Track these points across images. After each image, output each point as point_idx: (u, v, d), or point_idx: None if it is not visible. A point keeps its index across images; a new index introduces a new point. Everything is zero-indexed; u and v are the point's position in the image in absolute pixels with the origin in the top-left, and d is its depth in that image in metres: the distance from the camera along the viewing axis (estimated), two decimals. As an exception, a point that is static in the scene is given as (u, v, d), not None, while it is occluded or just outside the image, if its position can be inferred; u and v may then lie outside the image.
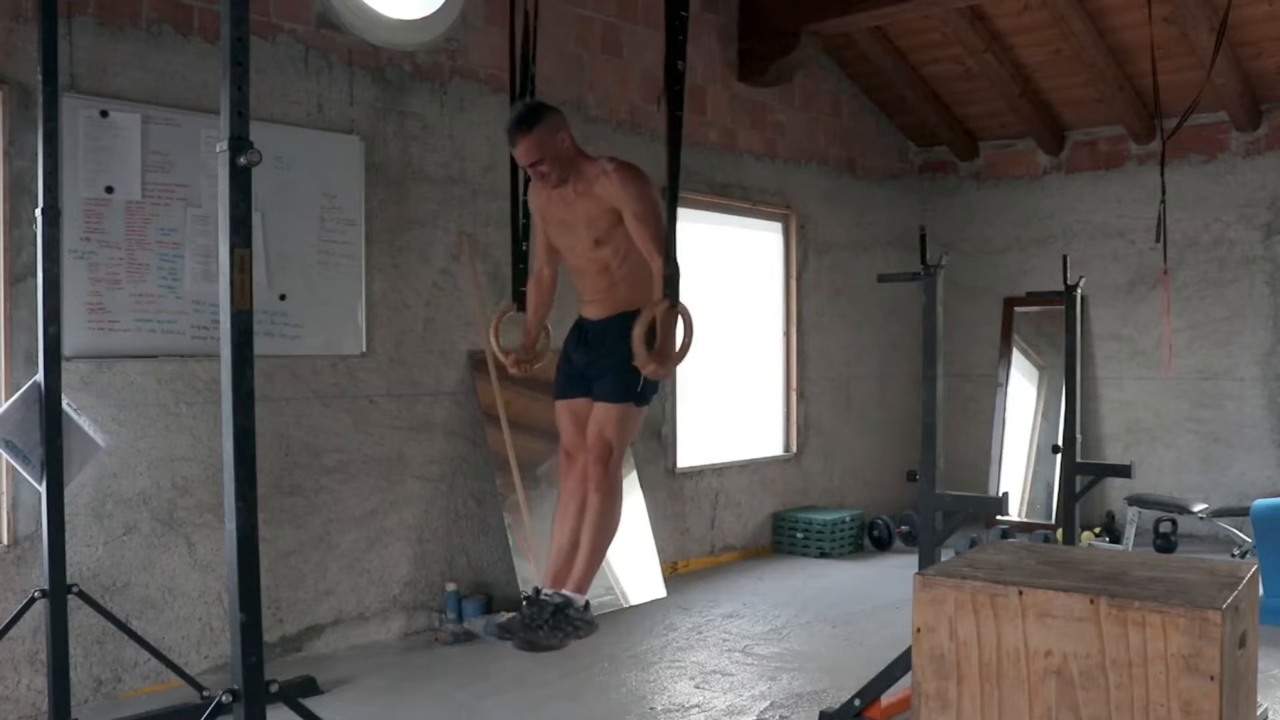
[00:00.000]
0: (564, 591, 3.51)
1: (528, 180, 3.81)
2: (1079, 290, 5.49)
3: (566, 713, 4.06)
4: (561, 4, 5.67)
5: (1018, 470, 7.77)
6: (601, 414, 3.53)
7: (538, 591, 3.56)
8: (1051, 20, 6.63)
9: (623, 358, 3.43)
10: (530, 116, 3.46)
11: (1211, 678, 2.10)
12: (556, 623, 3.45)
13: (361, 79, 4.93)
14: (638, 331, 3.32)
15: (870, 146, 8.11)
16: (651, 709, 4.10)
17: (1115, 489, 7.38)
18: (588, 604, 3.55)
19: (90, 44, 4.10)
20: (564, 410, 3.70)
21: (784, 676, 4.49)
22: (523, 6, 3.86)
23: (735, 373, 7.08)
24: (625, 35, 6.12)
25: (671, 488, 6.41)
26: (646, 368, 3.33)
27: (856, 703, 3.72)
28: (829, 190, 7.67)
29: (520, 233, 3.91)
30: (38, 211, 3.47)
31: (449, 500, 5.24)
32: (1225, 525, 6.43)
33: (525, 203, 3.84)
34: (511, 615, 3.55)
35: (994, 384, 7.99)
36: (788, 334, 7.43)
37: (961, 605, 2.39)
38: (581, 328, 3.66)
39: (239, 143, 2.36)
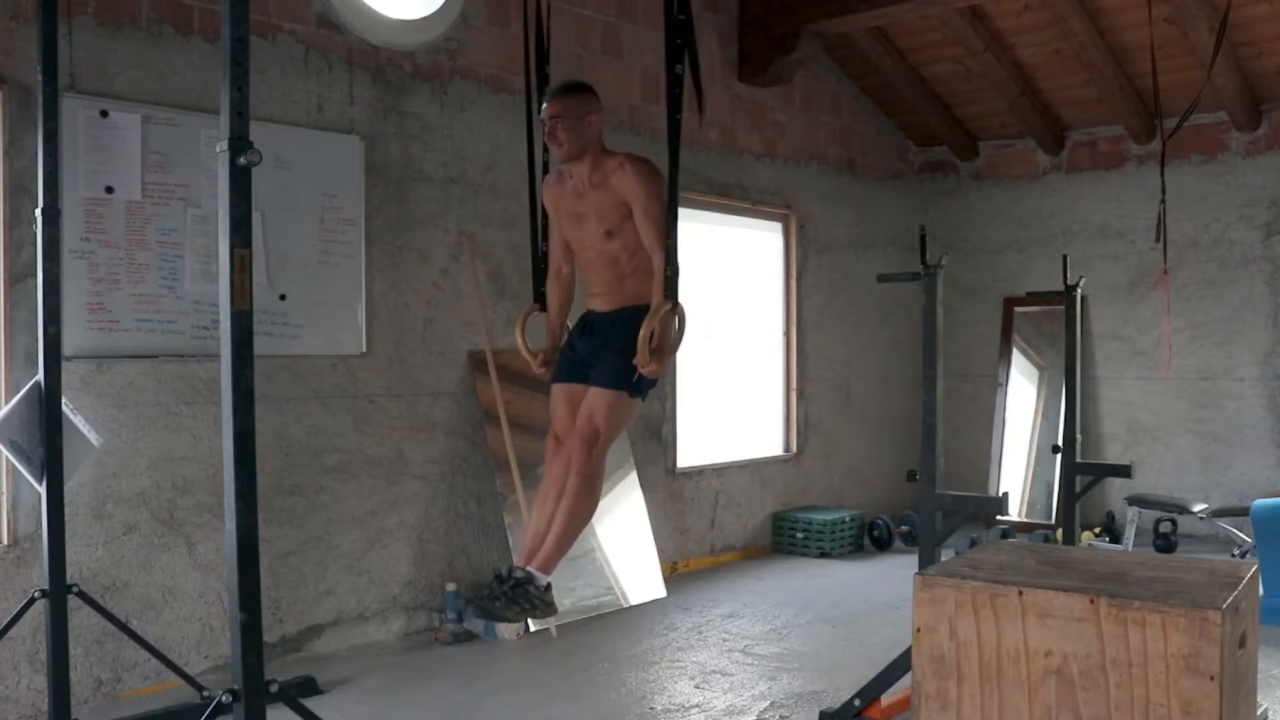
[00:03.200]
0: (527, 569, 3.52)
1: (545, 174, 3.87)
2: (1079, 290, 5.49)
3: (566, 713, 4.06)
4: (561, 4, 5.67)
5: (1018, 470, 7.77)
6: (594, 398, 3.56)
7: (509, 569, 3.56)
8: (1051, 20, 6.63)
9: (622, 347, 3.49)
10: (574, 86, 3.62)
11: (1211, 678, 2.11)
12: (514, 596, 3.46)
13: (361, 79, 4.93)
14: (644, 333, 3.37)
15: (870, 146, 8.11)
16: (651, 709, 4.10)
17: (1115, 489, 7.38)
18: (549, 586, 3.54)
19: (90, 44, 4.10)
20: (560, 394, 3.73)
21: (784, 676, 4.49)
22: (535, 11, 3.89)
23: (735, 373, 7.08)
24: (625, 35, 6.12)
25: (671, 488, 6.41)
26: (648, 367, 3.39)
27: (856, 703, 3.72)
28: (829, 190, 7.67)
29: (539, 233, 3.93)
30: (38, 211, 3.47)
31: (449, 500, 5.24)
32: (1225, 525, 6.43)
33: (543, 204, 3.87)
34: (478, 588, 3.57)
35: (994, 384, 7.99)
36: (788, 334, 7.43)
37: (961, 605, 2.39)
38: (587, 320, 3.71)
39: (239, 143, 2.36)
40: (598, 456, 3.55)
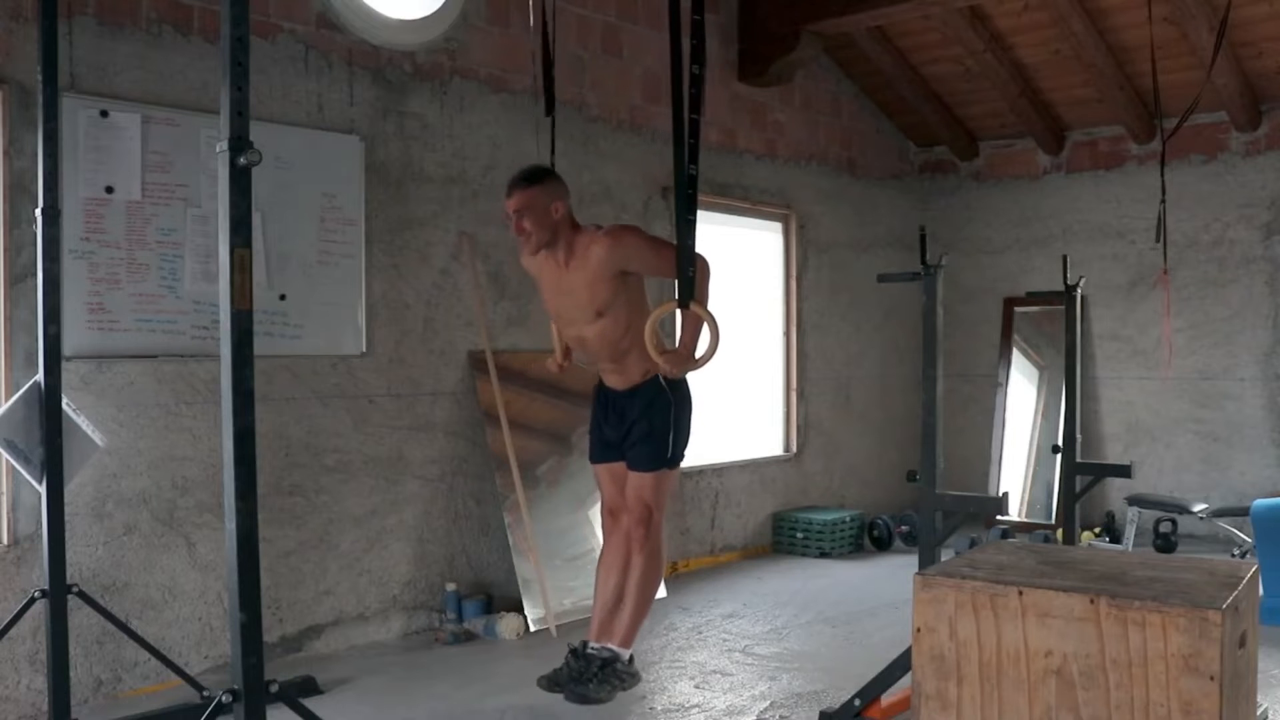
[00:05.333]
0: (610, 646, 3.68)
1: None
2: (1079, 290, 5.49)
3: (567, 712, 4.06)
4: (562, 4, 5.67)
5: (1018, 470, 7.77)
6: (637, 481, 3.74)
7: (584, 644, 3.70)
8: (1051, 20, 6.64)
9: (649, 429, 3.66)
10: (535, 174, 3.64)
11: (1211, 678, 2.11)
12: (604, 676, 3.66)
13: (361, 79, 4.93)
14: (647, 330, 3.42)
15: (870, 146, 8.11)
16: (651, 709, 4.10)
17: (1115, 489, 7.38)
18: (632, 658, 3.73)
19: (90, 44, 4.10)
20: (603, 473, 3.91)
21: (784, 676, 4.49)
22: (540, 13, 3.93)
23: (735, 373, 7.07)
24: (625, 35, 6.12)
25: (671, 488, 6.40)
26: (660, 362, 3.44)
27: (856, 703, 3.72)
28: (829, 190, 7.67)
29: None
30: (38, 211, 3.47)
31: (449, 500, 5.24)
32: (1225, 525, 6.43)
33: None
34: (557, 668, 3.69)
35: (994, 384, 7.99)
36: (788, 334, 7.43)
37: (961, 605, 2.39)
38: (606, 396, 3.76)
39: (239, 143, 2.36)
40: (655, 532, 3.77)
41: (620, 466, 3.79)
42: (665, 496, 3.80)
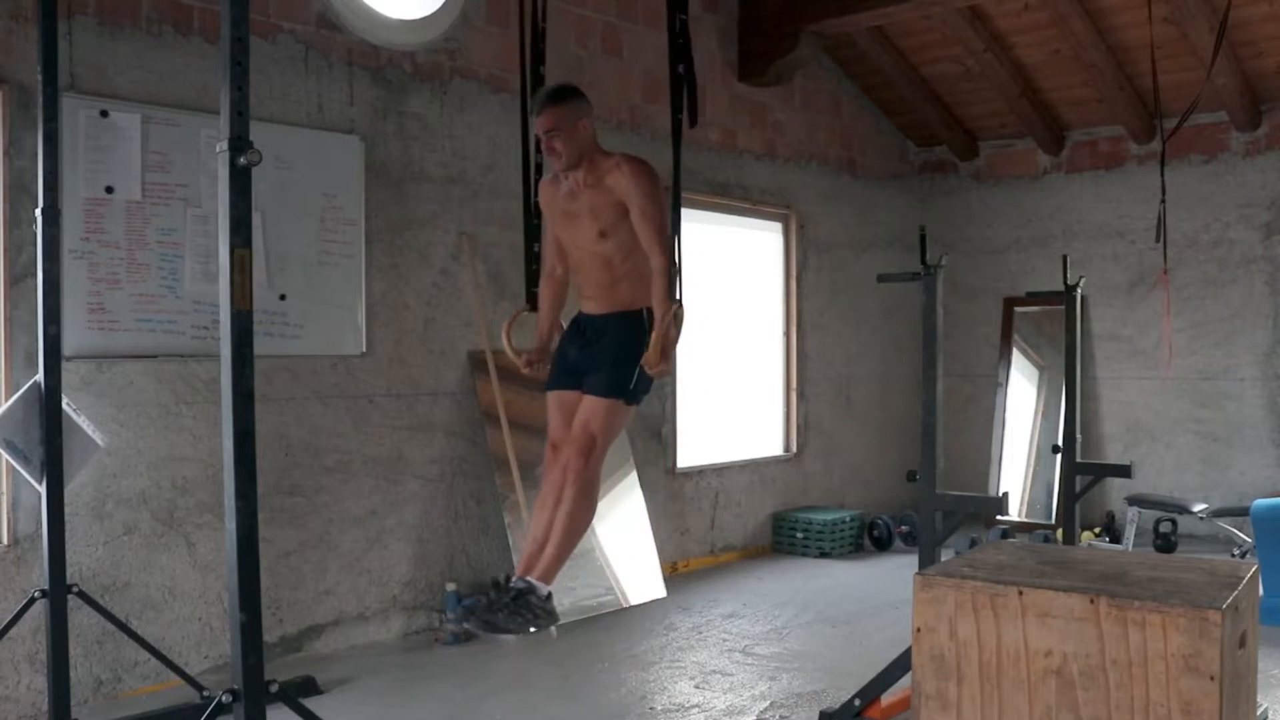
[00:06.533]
0: (528, 579, 3.53)
1: (539, 177, 3.87)
2: (1079, 290, 5.49)
3: (566, 713, 4.06)
4: (562, 4, 5.67)
5: (1018, 470, 7.76)
6: (590, 407, 3.53)
7: (506, 577, 3.60)
8: (1051, 20, 6.64)
9: (617, 354, 3.48)
10: (561, 92, 3.58)
11: (1211, 678, 2.10)
12: (516, 608, 3.48)
13: (361, 79, 4.93)
14: (655, 337, 3.35)
15: (870, 146, 8.11)
16: (651, 709, 4.10)
17: (1115, 489, 7.38)
18: (550, 595, 3.57)
19: (90, 44, 4.10)
20: (554, 401, 3.71)
21: (784, 676, 4.49)
22: (531, 11, 3.89)
23: (735, 373, 7.08)
24: (625, 35, 6.12)
25: (671, 488, 6.41)
26: (657, 368, 3.37)
27: (856, 703, 3.72)
28: (829, 190, 7.67)
29: (532, 233, 3.92)
30: (38, 211, 3.47)
31: (449, 500, 5.24)
32: (1225, 525, 6.43)
33: (537, 203, 3.86)
34: (477, 598, 3.58)
35: (994, 384, 7.99)
36: (788, 334, 7.43)
37: (961, 605, 2.39)
38: (579, 323, 3.69)
39: (239, 143, 2.36)
40: (594, 464, 3.55)
41: (573, 395, 3.63)
42: (613, 433, 3.62)
